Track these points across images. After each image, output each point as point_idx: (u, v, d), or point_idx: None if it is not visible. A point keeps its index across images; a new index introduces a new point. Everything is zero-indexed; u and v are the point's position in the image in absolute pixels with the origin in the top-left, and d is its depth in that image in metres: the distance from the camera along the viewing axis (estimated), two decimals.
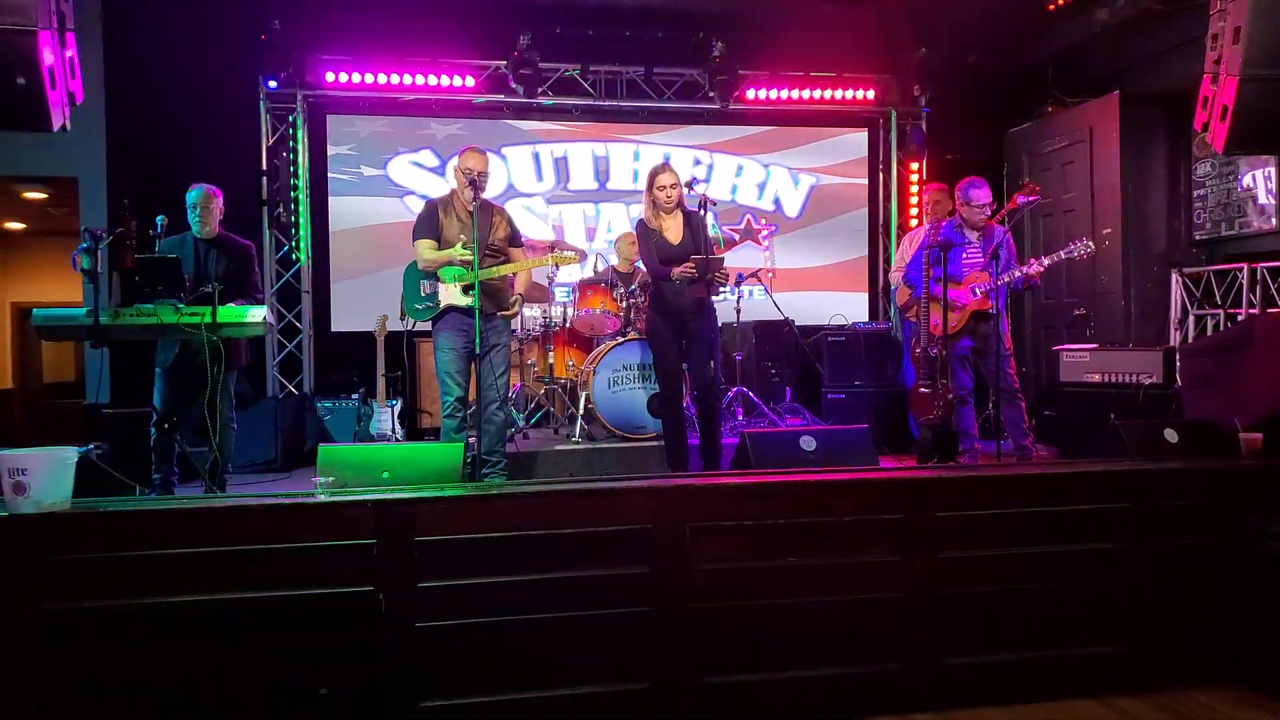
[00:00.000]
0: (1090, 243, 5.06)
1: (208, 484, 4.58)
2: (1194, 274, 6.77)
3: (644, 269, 5.85)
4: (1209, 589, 3.28)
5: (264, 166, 7.50)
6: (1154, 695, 3.18)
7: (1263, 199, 6.34)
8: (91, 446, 5.44)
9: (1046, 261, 5.12)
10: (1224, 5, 3.44)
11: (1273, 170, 6.24)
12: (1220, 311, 6.45)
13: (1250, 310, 6.14)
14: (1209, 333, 6.54)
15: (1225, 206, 6.68)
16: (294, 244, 7.62)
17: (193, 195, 4.92)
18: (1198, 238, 6.97)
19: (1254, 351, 3.93)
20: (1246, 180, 6.47)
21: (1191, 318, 6.74)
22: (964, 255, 5.35)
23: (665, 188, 4.84)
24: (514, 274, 4.89)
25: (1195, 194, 6.99)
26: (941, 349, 5.40)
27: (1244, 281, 6.22)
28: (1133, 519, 3.23)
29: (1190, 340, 6.65)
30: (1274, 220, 6.24)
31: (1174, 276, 6.88)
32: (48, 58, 3.10)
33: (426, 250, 4.76)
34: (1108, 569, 3.21)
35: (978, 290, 5.25)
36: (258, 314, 4.44)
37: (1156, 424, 3.94)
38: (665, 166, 4.99)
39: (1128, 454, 3.68)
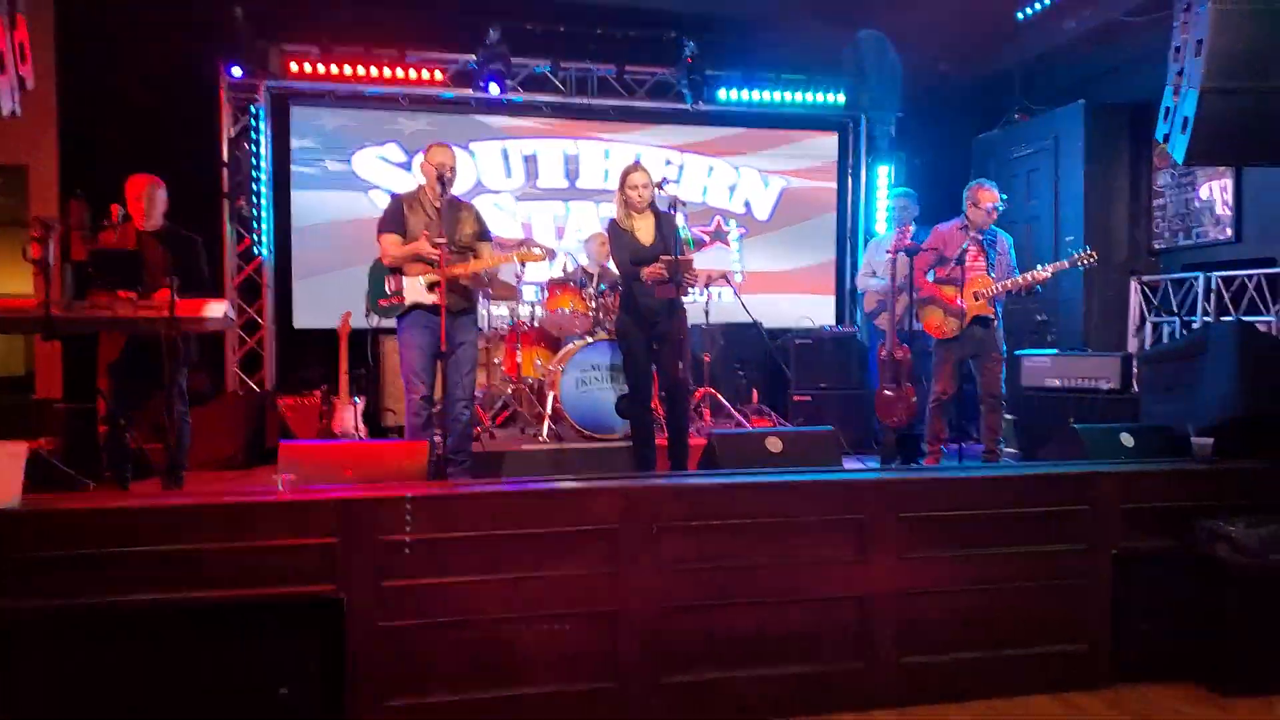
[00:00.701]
0: (1094, 254, 5.12)
1: (165, 481, 4.50)
2: (1152, 282, 6.90)
3: (614, 269, 5.84)
4: (1162, 589, 3.35)
5: (225, 158, 7.37)
6: (1108, 692, 3.25)
7: (1219, 210, 6.47)
8: (42, 442, 5.33)
9: (1051, 269, 5.18)
10: (1186, 17, 3.50)
11: (1229, 182, 6.38)
12: (1176, 319, 6.58)
13: (1205, 318, 6.26)
14: (1165, 340, 6.66)
15: (1184, 216, 6.81)
16: (256, 238, 7.50)
17: (134, 186, 4.77)
18: (1157, 247, 7.11)
19: (1208, 359, 4.01)
20: (1204, 191, 6.60)
21: (1149, 325, 6.87)
22: (969, 259, 5.38)
23: (637, 187, 4.83)
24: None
25: (1155, 203, 7.12)
26: (907, 353, 5.46)
27: (1200, 290, 6.35)
28: (1090, 520, 3.29)
29: (1148, 347, 6.77)
30: (1229, 231, 6.38)
31: (1133, 284, 7.00)
32: None
33: (392, 245, 4.71)
34: (1065, 569, 3.27)
35: (979, 295, 5.27)
36: (218, 308, 4.36)
37: (1114, 428, 4.01)
38: (637, 166, 4.97)
39: (1086, 457, 3.75)
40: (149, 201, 4.77)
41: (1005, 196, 5.43)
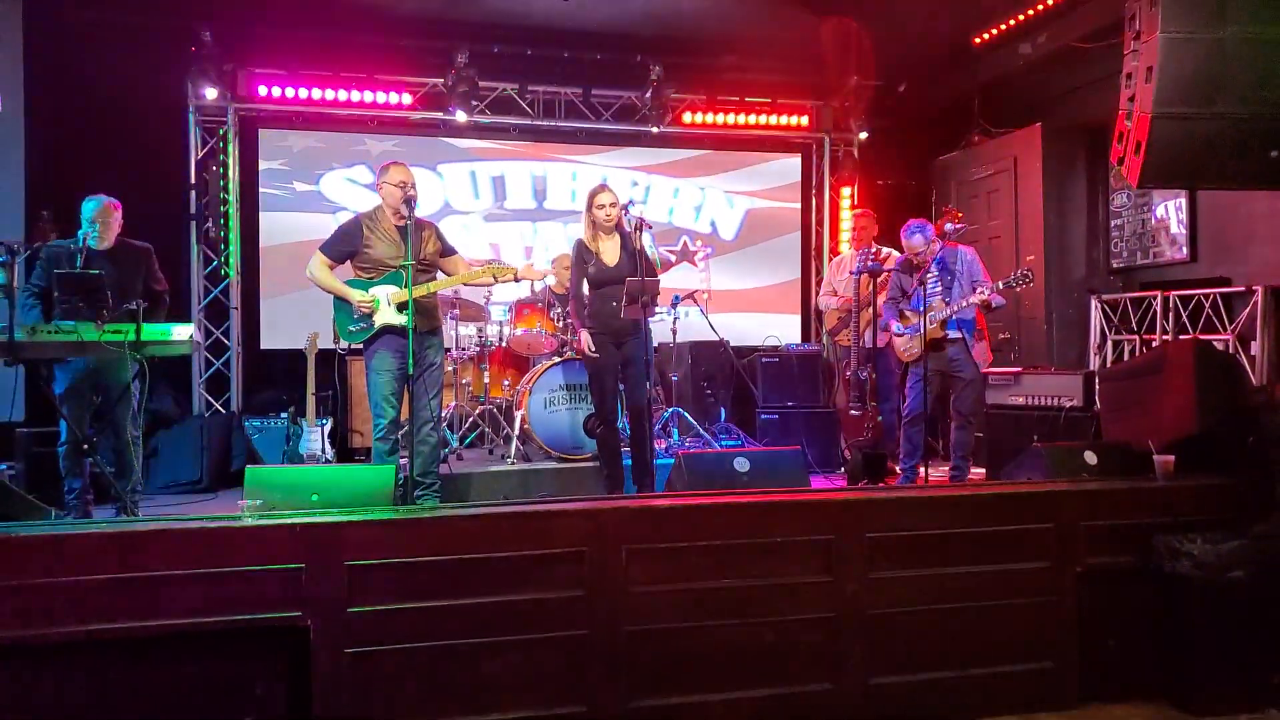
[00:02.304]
0: (1030, 273, 5.18)
1: (127, 505, 4.45)
2: (1111, 300, 7.03)
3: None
4: (1126, 607, 3.40)
5: (193, 180, 7.33)
6: (1074, 711, 3.27)
7: (1174, 229, 6.62)
8: (4, 467, 5.24)
9: (986, 291, 5.23)
10: (1136, 45, 3.60)
11: (1184, 202, 6.53)
12: (1136, 337, 6.70)
13: (1164, 337, 6.39)
14: (1126, 358, 6.78)
15: (1140, 236, 6.96)
16: (223, 259, 7.44)
17: (90, 208, 4.72)
18: (1115, 265, 7.25)
19: (1166, 377, 4.09)
20: (1160, 211, 6.75)
21: (1110, 343, 6.99)
22: (925, 288, 5.46)
23: (605, 207, 4.87)
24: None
25: (1113, 223, 7.27)
26: (871, 372, 5.52)
27: (1158, 309, 6.48)
28: (1054, 539, 3.33)
29: (1108, 365, 6.89)
30: (1185, 250, 6.53)
31: (1093, 303, 7.13)
32: None
33: (323, 271, 4.60)
34: (1030, 588, 3.30)
35: (932, 319, 5.33)
36: (183, 332, 4.33)
37: (1076, 446, 4.07)
38: (604, 187, 5.01)
39: (1049, 475, 3.80)
40: (103, 224, 4.72)
41: (960, 215, 5.49)
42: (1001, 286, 5.19)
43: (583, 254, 4.95)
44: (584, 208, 4.99)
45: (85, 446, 4.49)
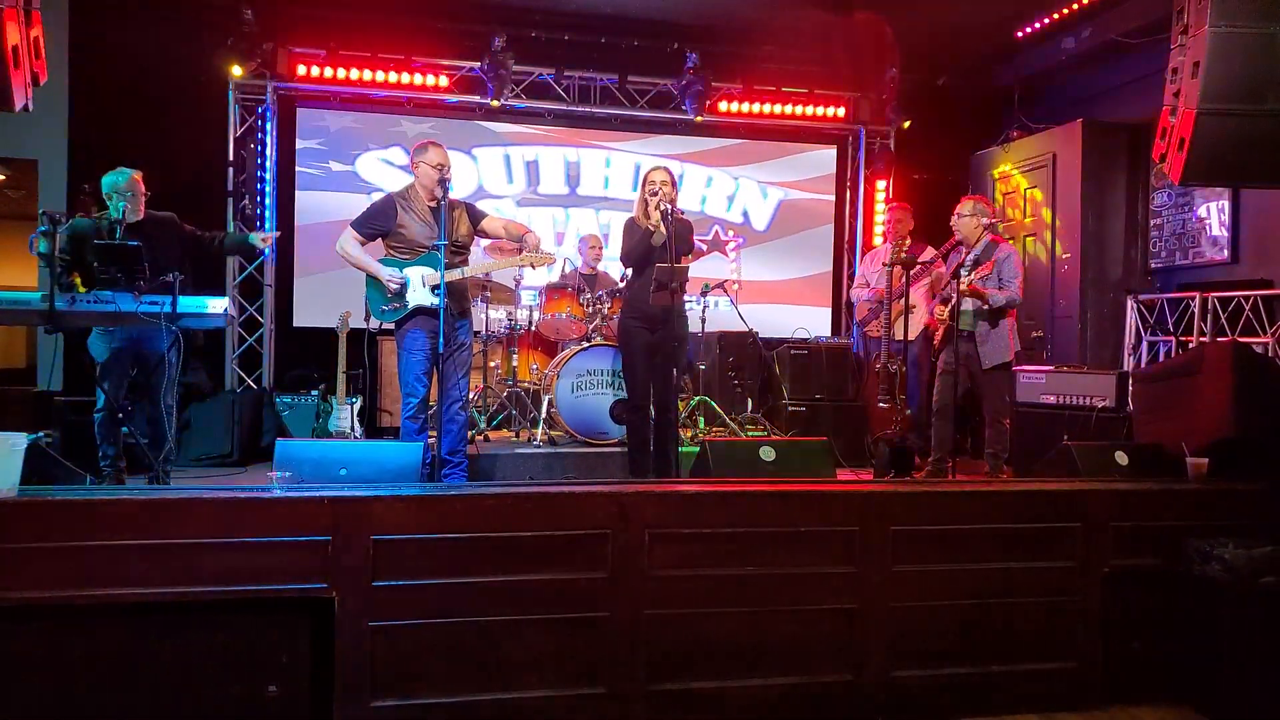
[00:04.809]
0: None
1: (160, 474, 4.51)
2: (1148, 301, 6.93)
3: (606, 271, 5.86)
4: (1153, 609, 3.36)
5: (230, 157, 7.41)
6: (1096, 712, 3.25)
7: (1215, 230, 6.51)
8: (41, 434, 5.32)
9: (969, 280, 5.20)
10: (1184, 40, 3.53)
11: (1226, 203, 6.41)
12: (1172, 339, 6.60)
13: (1201, 338, 6.28)
14: (1161, 359, 6.68)
15: (1180, 236, 6.85)
16: None
17: (120, 180, 4.76)
18: (1153, 266, 7.14)
19: (1203, 379, 4.03)
20: (1201, 211, 6.63)
21: (1145, 343, 6.89)
22: (962, 273, 5.41)
23: (655, 184, 4.84)
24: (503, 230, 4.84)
25: (1152, 223, 7.16)
26: (901, 365, 5.48)
27: (1196, 310, 6.37)
28: (1081, 538, 3.30)
29: (1143, 366, 6.79)
30: (1226, 252, 6.41)
31: (1129, 303, 7.03)
32: (12, 36, 3.06)
33: (353, 245, 4.64)
34: (1056, 587, 3.27)
35: (935, 309, 5.32)
36: (218, 304, 4.37)
37: (1108, 446, 4.02)
38: (658, 166, 5.00)
39: (1079, 474, 3.76)
40: (133, 196, 4.79)
41: (976, 209, 5.45)
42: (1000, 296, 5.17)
43: (632, 228, 4.92)
44: (639, 184, 4.97)
45: (120, 415, 4.58)
